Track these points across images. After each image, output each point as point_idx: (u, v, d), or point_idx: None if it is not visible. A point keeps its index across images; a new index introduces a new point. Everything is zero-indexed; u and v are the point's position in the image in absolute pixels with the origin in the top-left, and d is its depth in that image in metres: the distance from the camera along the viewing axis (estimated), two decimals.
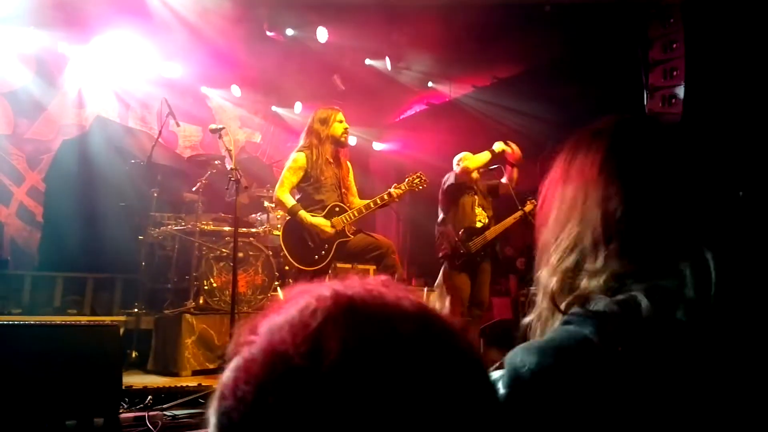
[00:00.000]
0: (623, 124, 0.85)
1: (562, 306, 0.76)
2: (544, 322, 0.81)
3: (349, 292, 0.50)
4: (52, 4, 5.71)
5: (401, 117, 8.85)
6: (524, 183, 4.97)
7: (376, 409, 0.44)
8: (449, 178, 4.92)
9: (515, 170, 4.88)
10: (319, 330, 0.46)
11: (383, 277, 0.55)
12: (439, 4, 5.90)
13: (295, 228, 4.14)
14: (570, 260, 0.79)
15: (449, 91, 7.96)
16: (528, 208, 4.79)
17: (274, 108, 8.14)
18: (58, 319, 5.02)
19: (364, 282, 0.53)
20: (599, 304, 0.70)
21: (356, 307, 0.48)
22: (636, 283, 0.71)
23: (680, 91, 5.09)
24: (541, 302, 0.82)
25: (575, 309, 0.73)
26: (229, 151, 3.83)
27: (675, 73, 5.22)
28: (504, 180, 4.94)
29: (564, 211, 0.82)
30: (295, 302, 0.50)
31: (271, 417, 0.44)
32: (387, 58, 7.33)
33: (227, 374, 0.49)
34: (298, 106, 8.01)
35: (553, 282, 0.80)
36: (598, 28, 5.71)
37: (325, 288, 0.51)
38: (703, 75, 4.99)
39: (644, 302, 0.67)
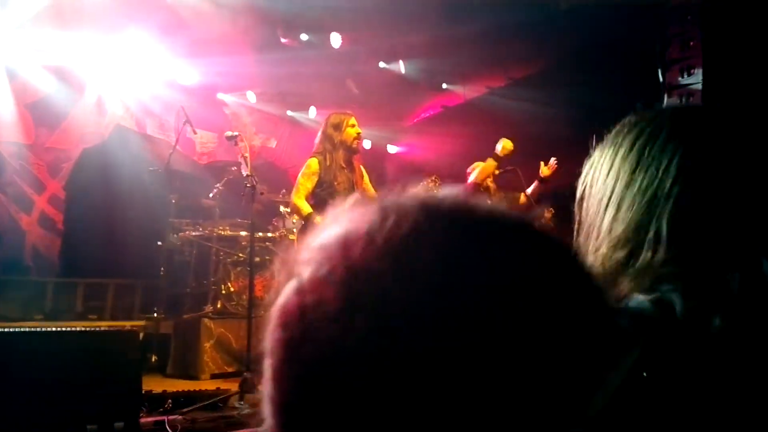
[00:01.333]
0: (691, 113, 0.78)
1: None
2: None
3: (439, 203, 0.41)
4: (68, 11, 5.80)
5: (416, 120, 8.85)
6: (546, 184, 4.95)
7: (492, 347, 0.36)
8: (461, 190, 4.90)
9: (541, 186, 4.85)
10: (413, 245, 0.38)
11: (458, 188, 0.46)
12: (451, 5, 5.91)
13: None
14: (623, 252, 0.72)
15: (464, 92, 7.95)
16: (547, 216, 4.76)
17: (289, 113, 8.19)
18: (79, 325, 5.09)
19: (444, 192, 0.43)
20: (633, 301, 0.66)
21: (456, 219, 0.40)
22: (678, 284, 0.66)
23: (698, 90, 5.04)
24: None
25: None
26: (244, 157, 3.87)
27: (693, 71, 5.17)
28: (529, 191, 4.92)
29: (621, 196, 0.74)
30: (361, 215, 0.41)
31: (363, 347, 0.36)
32: (401, 61, 7.35)
33: (289, 298, 0.40)
34: (313, 110, 8.05)
35: (600, 272, 0.73)
36: (614, 26, 5.66)
37: (401, 197, 0.42)
38: (721, 73, 4.93)
39: (678, 304, 0.63)
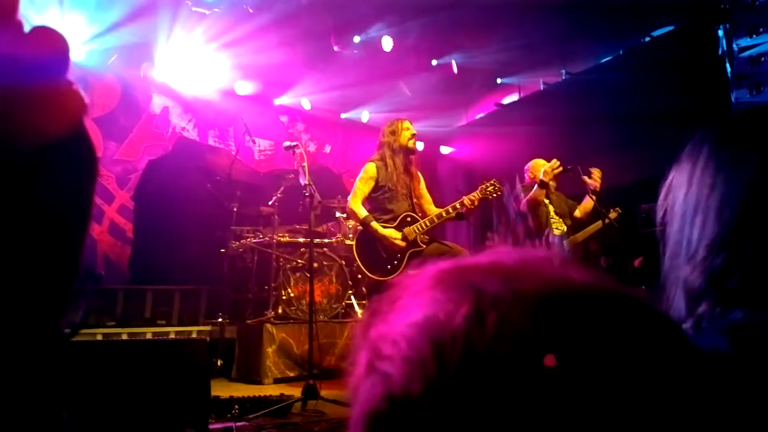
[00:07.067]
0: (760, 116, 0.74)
1: (705, 310, 0.67)
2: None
3: (536, 294, 0.36)
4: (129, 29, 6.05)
5: (469, 120, 8.76)
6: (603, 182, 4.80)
7: None
8: (520, 194, 4.83)
9: (593, 198, 4.64)
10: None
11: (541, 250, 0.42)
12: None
13: (367, 238, 4.19)
14: (720, 258, 0.68)
15: (518, 90, 7.82)
16: (613, 215, 4.65)
17: (343, 116, 8.28)
18: (149, 331, 5.32)
19: (529, 259, 0.39)
20: (738, 315, 0.64)
21: (558, 316, 0.35)
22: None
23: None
24: (678, 301, 0.72)
25: (716, 316, 0.66)
26: (302, 166, 3.93)
27: (763, 59, 4.92)
28: (590, 195, 4.75)
29: (707, 204, 0.71)
30: (449, 301, 0.37)
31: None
32: (453, 61, 7.30)
33: (378, 406, 0.36)
34: (366, 114, 8.11)
35: (698, 280, 0.69)
36: (676, 14, 5.45)
37: (487, 276, 0.37)
38: None
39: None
